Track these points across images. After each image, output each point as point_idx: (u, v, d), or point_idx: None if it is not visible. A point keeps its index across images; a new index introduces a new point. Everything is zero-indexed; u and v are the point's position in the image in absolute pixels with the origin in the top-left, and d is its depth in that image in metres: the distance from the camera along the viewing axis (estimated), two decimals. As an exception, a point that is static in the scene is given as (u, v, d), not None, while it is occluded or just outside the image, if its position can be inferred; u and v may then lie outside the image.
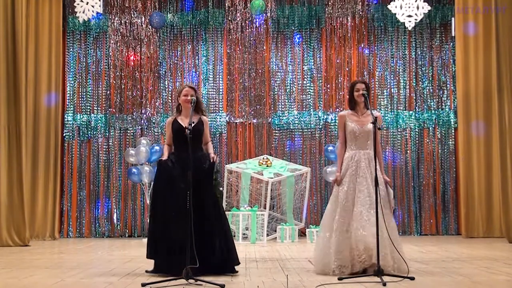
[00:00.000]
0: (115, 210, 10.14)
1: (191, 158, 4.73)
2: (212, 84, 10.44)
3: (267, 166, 9.36)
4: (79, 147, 10.27)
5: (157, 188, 5.25)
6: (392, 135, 10.26)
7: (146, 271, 5.19)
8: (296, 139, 10.31)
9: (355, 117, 5.28)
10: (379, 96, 10.34)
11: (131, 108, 10.32)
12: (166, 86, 10.41)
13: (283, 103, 10.39)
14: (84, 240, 9.54)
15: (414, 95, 10.34)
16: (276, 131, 10.32)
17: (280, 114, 10.34)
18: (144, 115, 10.30)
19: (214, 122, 10.22)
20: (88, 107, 10.34)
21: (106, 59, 10.43)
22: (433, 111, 10.28)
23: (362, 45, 10.39)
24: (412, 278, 4.61)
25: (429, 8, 9.29)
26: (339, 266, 4.94)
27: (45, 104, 9.66)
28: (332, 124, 10.26)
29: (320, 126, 10.30)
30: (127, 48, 10.34)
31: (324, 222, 5.22)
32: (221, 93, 10.44)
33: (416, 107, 10.32)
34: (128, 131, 10.32)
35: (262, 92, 10.37)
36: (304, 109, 10.36)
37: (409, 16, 9.18)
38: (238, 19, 10.25)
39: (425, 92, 10.33)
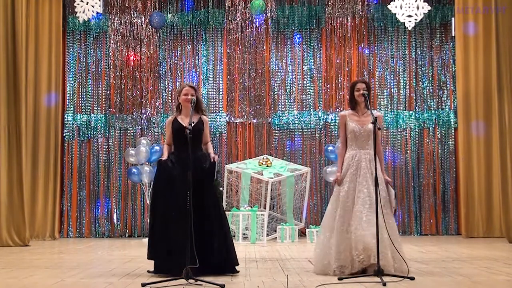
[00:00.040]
0: (115, 210, 10.14)
1: (191, 158, 4.72)
2: (212, 84, 10.44)
3: (267, 166, 9.36)
4: (79, 147, 10.27)
5: (157, 188, 5.24)
6: (392, 135, 10.26)
7: (148, 271, 5.18)
8: (296, 139, 10.31)
9: (355, 117, 5.28)
10: (379, 96, 10.34)
11: (131, 108, 10.32)
12: (166, 86, 10.41)
13: (283, 103, 10.39)
14: (84, 240, 9.54)
15: (414, 95, 10.34)
16: (276, 131, 10.32)
17: (280, 114, 10.34)
18: (144, 115, 10.30)
19: (214, 122, 10.22)
20: (88, 107, 10.34)
21: (106, 59, 10.43)
22: (433, 111, 10.28)
23: (362, 45, 10.39)
24: (412, 278, 4.61)
25: (429, 8, 9.29)
26: (340, 266, 4.94)
27: (45, 104, 9.66)
28: (332, 124, 10.26)
29: (320, 126, 10.30)
30: (127, 48, 10.34)
31: (324, 223, 5.22)
32: (221, 93, 10.44)
33: (416, 107, 10.32)
34: (128, 131, 10.32)
35: (262, 92, 10.37)
36: (304, 109, 10.36)
37: (409, 16, 9.19)
38: (238, 19, 10.26)
39: (425, 92, 10.33)
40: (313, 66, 10.42)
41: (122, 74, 10.34)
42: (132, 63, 10.36)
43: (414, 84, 10.35)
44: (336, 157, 9.20)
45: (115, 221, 10.12)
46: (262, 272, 5.24)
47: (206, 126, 5.35)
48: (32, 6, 9.50)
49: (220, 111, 10.37)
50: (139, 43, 10.34)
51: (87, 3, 9.28)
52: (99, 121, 10.29)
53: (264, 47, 10.37)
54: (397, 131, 10.26)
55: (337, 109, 10.20)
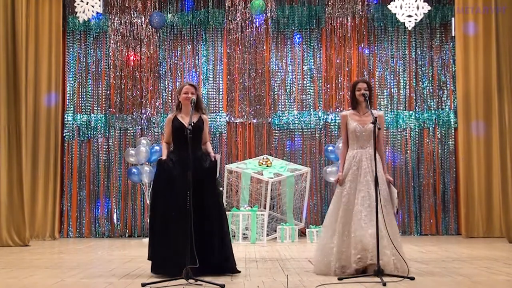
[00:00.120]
0: (115, 210, 10.13)
1: (191, 158, 4.71)
2: (212, 84, 10.43)
3: (267, 166, 9.36)
4: (79, 147, 10.27)
5: (157, 188, 5.22)
6: (392, 135, 10.25)
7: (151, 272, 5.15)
8: (296, 139, 10.31)
9: (357, 116, 5.28)
10: (379, 96, 10.34)
11: (131, 108, 10.32)
12: (166, 86, 10.41)
13: (283, 103, 10.39)
14: (84, 240, 9.54)
15: (414, 95, 10.34)
16: (276, 131, 10.32)
17: (280, 114, 10.34)
18: (144, 115, 10.30)
19: (214, 122, 10.21)
20: (88, 107, 10.34)
21: (106, 59, 10.43)
22: (433, 111, 10.28)
23: (362, 45, 10.39)
24: (412, 278, 4.61)
25: (429, 8, 9.29)
26: (341, 267, 4.94)
27: (45, 104, 9.66)
28: (332, 124, 10.26)
29: (320, 126, 10.30)
30: (127, 48, 10.34)
31: (326, 223, 5.22)
32: (221, 93, 10.44)
33: (416, 107, 10.32)
34: (128, 131, 10.32)
35: (262, 92, 10.37)
36: (304, 109, 10.36)
37: (409, 16, 9.18)
38: (238, 19, 10.25)
39: (425, 92, 10.33)
40: (313, 66, 10.41)
41: (122, 74, 10.33)
42: (132, 63, 10.36)
43: (414, 84, 10.35)
44: (336, 157, 9.21)
45: (115, 221, 10.12)
46: (262, 272, 5.24)
47: (206, 125, 5.34)
48: (32, 6, 9.49)
49: (220, 111, 10.37)
50: (139, 43, 10.34)
51: (87, 3, 9.28)
52: (99, 121, 10.29)
53: (264, 47, 10.37)
54: (397, 131, 10.26)
55: (337, 109, 10.20)
